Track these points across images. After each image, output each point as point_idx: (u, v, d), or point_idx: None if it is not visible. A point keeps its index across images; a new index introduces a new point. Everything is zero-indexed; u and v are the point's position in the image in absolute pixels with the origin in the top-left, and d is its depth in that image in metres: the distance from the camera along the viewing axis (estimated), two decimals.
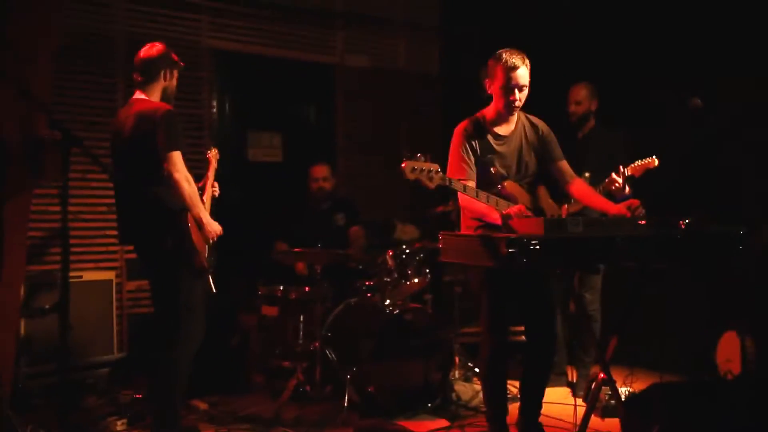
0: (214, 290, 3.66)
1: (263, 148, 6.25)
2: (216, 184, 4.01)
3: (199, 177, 3.93)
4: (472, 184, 3.29)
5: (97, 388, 4.60)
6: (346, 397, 4.17)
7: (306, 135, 6.46)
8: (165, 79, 3.62)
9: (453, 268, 5.25)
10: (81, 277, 4.76)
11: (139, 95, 3.60)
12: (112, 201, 5.16)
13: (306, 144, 6.38)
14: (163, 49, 3.62)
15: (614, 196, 4.09)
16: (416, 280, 4.65)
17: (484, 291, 3.41)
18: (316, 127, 6.58)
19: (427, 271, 4.72)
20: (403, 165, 2.93)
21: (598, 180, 4.16)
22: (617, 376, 3.57)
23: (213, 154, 4.15)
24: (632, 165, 4.09)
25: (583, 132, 4.66)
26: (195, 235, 3.46)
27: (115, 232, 5.17)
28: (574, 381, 4.62)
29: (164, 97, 3.63)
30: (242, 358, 4.98)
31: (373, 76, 6.63)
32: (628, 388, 4.17)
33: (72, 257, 4.93)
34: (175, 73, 3.67)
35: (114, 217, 5.16)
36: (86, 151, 2.97)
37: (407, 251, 4.68)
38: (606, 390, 3.64)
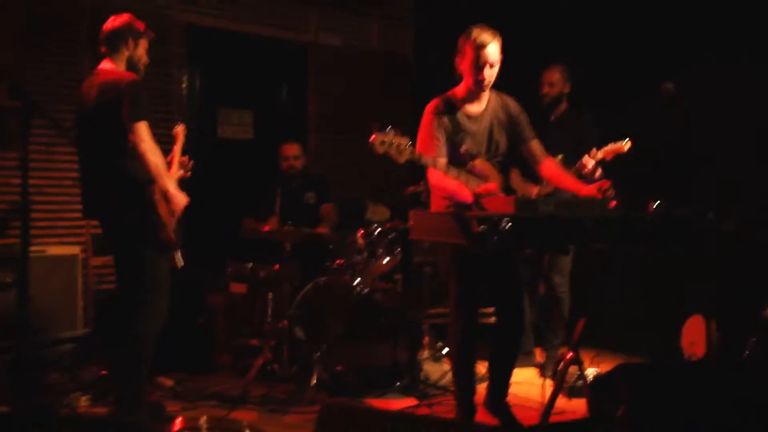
0: (182, 264, 3.59)
1: (233, 125, 6.17)
2: (187, 160, 3.93)
3: (166, 153, 3.89)
4: (443, 161, 3.27)
5: (61, 364, 4.53)
6: (314, 376, 4.16)
7: (277, 113, 6.39)
8: (129, 49, 3.53)
9: (423, 249, 5.26)
10: (44, 251, 4.67)
11: (104, 65, 3.52)
12: (78, 174, 5.19)
13: (277, 122, 6.31)
14: (127, 19, 3.54)
15: (585, 179, 4.11)
16: (386, 260, 4.63)
17: (453, 271, 3.40)
18: (287, 105, 6.51)
19: (398, 251, 4.70)
20: (372, 138, 2.89)
21: (569, 163, 4.18)
22: (584, 357, 3.60)
23: (180, 129, 4.07)
24: (604, 148, 4.11)
25: (556, 114, 4.67)
26: (162, 208, 3.39)
27: (80, 207, 5.21)
28: (542, 362, 4.68)
29: (130, 66, 3.54)
30: (209, 335, 4.92)
31: (346, 56, 6.58)
32: (596, 369, 4.21)
33: (36, 231, 4.91)
34: (142, 42, 3.58)
35: (79, 191, 5.20)
36: (48, 118, 2.89)
37: (378, 231, 4.66)
38: (573, 371, 3.67)
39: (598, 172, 4.18)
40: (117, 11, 3.65)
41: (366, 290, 4.39)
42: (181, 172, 3.86)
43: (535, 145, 3.55)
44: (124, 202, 3.39)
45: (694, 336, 4.39)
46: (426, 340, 4.81)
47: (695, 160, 4.54)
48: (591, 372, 4.07)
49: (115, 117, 3.31)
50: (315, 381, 4.15)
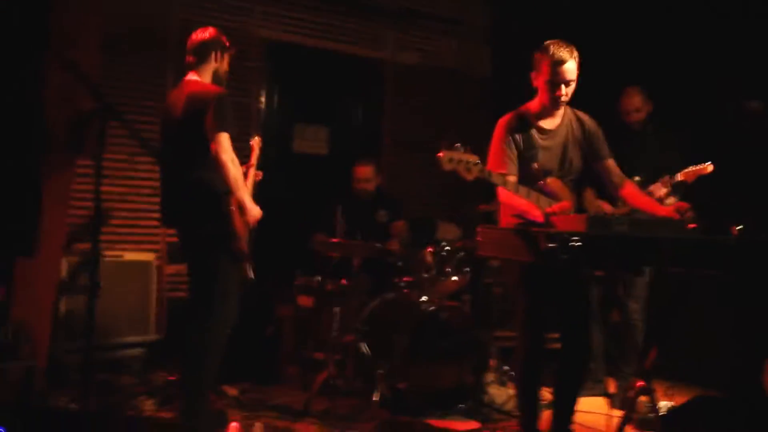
0: (253, 276, 3.63)
1: (308, 140, 6.24)
2: (260, 173, 3.99)
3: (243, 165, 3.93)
4: (513, 179, 3.18)
5: (132, 368, 4.64)
6: (377, 393, 4.12)
7: (352, 130, 6.43)
8: (216, 61, 3.62)
9: (493, 270, 5.16)
10: (121, 257, 4.81)
11: (191, 76, 3.61)
12: (157, 183, 5.33)
13: (352, 139, 6.35)
14: (215, 33, 3.64)
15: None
16: (455, 279, 4.57)
17: (521, 290, 3.31)
18: (362, 122, 6.54)
19: (467, 270, 4.63)
20: (440, 154, 2.83)
21: (648, 185, 4.04)
22: (657, 388, 3.43)
23: (256, 142, 4.14)
24: (685, 170, 3.95)
25: (640, 134, 4.52)
26: (237, 220, 3.44)
27: (157, 215, 5.34)
28: (613, 392, 4.50)
29: (215, 79, 3.64)
30: (276, 347, 4.96)
31: (423, 74, 6.58)
32: (670, 402, 4.02)
33: (114, 237, 5.08)
34: (226, 56, 3.67)
35: (158, 200, 5.34)
36: (125, 125, 2.97)
37: (447, 249, 4.60)
38: (645, 402, 3.50)
39: (671, 199, 4.01)
40: (202, 24, 3.75)
41: (433, 308, 4.33)
42: (258, 177, 3.93)
43: (612, 164, 3.43)
44: (201, 211, 3.45)
45: None
46: (492, 362, 4.69)
47: None
48: (664, 405, 3.89)
49: (200, 128, 3.39)
50: (378, 398, 4.10)
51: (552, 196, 3.18)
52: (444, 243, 4.75)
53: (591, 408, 4.20)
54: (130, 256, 4.92)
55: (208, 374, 3.52)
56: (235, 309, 3.57)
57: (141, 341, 4.83)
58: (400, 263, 4.85)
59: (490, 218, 4.91)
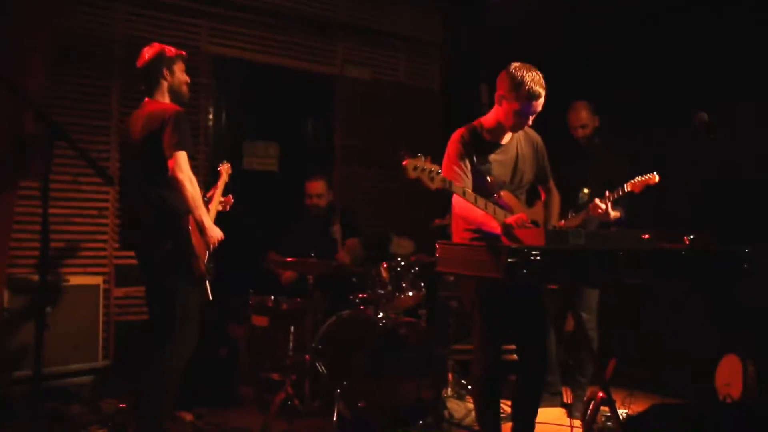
0: (211, 298, 3.55)
1: (259, 157, 6.17)
2: (230, 198, 3.95)
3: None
4: (469, 191, 3.20)
5: (81, 395, 4.48)
6: (336, 413, 4.06)
7: (303, 145, 6.39)
8: (167, 78, 3.55)
9: (448, 284, 5.17)
10: (67, 281, 4.66)
11: (148, 99, 3.56)
12: (103, 205, 5.21)
13: (303, 154, 6.30)
14: (157, 49, 3.55)
15: (602, 220, 4.03)
16: (411, 294, 4.55)
17: (477, 306, 3.31)
18: (313, 137, 6.50)
19: (422, 285, 4.62)
20: (404, 162, 2.83)
21: (599, 197, 4.08)
22: (615, 397, 3.46)
23: (225, 168, 4.06)
24: (632, 181, 4.02)
25: (587, 148, 4.59)
26: (196, 240, 3.38)
27: (104, 237, 5.21)
28: (570, 402, 4.53)
29: (173, 95, 3.57)
30: (231, 369, 4.85)
31: (373, 89, 6.58)
32: (626, 410, 4.07)
33: (59, 261, 4.92)
34: (177, 66, 3.58)
35: (105, 221, 5.21)
36: (72, 144, 2.86)
37: (402, 264, 4.58)
38: (604, 411, 3.54)
39: (614, 213, 4.08)
40: (147, 43, 3.64)
41: (390, 324, 4.30)
42: (220, 208, 3.88)
43: (552, 183, 3.57)
44: (160, 231, 3.39)
45: (729, 377, 4.23)
46: (450, 377, 4.69)
47: (733, 192, 4.42)
48: (621, 413, 3.93)
49: (158, 148, 3.34)
50: (337, 417, 4.05)
51: (507, 209, 3.21)
52: (399, 258, 4.74)
53: (549, 419, 4.23)
54: (76, 280, 4.77)
55: (165, 401, 3.43)
56: (195, 332, 3.50)
57: (89, 368, 4.67)
58: (354, 279, 4.82)
59: (444, 232, 4.93)
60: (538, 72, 3.22)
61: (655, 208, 4.14)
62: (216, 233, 3.47)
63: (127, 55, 5.28)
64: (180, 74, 3.59)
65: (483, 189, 3.27)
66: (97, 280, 4.91)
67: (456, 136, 3.37)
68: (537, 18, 5.78)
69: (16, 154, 3.54)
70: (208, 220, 3.45)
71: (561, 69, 4.89)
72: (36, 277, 4.24)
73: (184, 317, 3.42)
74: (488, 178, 3.25)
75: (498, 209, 3.14)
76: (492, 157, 3.34)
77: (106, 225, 5.24)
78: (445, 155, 3.36)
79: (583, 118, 4.55)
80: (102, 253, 5.19)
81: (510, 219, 2.95)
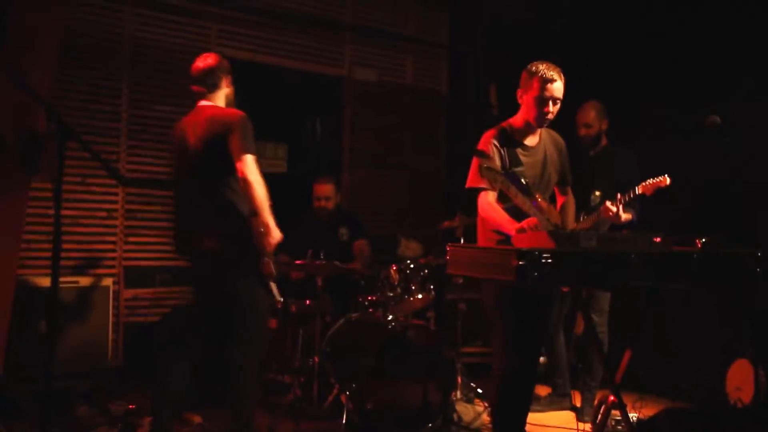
0: (281, 298, 3.58)
1: (267, 158, 6.17)
2: None
3: None
4: (521, 195, 3.18)
5: (90, 397, 4.48)
6: (344, 415, 4.05)
7: (312, 147, 6.39)
8: (227, 86, 3.63)
9: (457, 286, 5.16)
10: (77, 282, 4.67)
11: (204, 102, 3.59)
12: (113, 206, 5.22)
13: (311, 156, 6.30)
14: (219, 58, 3.64)
15: (613, 222, 4.01)
16: (420, 297, 4.54)
17: (499, 308, 3.29)
18: (322, 139, 6.50)
19: (431, 287, 4.61)
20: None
21: (608, 199, 4.06)
22: (625, 401, 3.45)
23: None
24: (643, 183, 3.99)
25: (595, 151, 4.57)
26: (265, 241, 3.39)
27: (114, 239, 5.22)
28: (579, 406, 4.51)
29: (228, 103, 3.63)
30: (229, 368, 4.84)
31: (381, 90, 6.58)
32: (637, 414, 4.04)
33: (68, 263, 4.93)
34: (230, 80, 3.68)
35: (114, 222, 5.22)
36: (84, 146, 2.87)
37: (411, 267, 4.57)
38: (614, 415, 3.51)
39: (626, 216, 4.04)
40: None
41: (399, 327, 4.30)
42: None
43: (570, 190, 3.58)
44: (227, 235, 3.41)
45: (740, 381, 4.20)
46: (459, 379, 4.67)
47: (744, 196, 4.39)
48: (631, 417, 3.90)
49: (221, 152, 3.37)
50: (345, 419, 4.04)
51: (542, 212, 3.17)
52: (408, 260, 4.73)
53: (559, 423, 4.21)
54: (86, 281, 4.78)
55: (253, 403, 3.54)
56: (267, 332, 3.58)
57: (99, 369, 4.67)
58: (363, 282, 4.81)
59: (452, 234, 4.92)
60: (557, 66, 3.29)
61: (665, 211, 4.10)
62: (278, 235, 3.45)
63: (135, 56, 5.31)
64: (232, 87, 3.69)
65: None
66: (107, 281, 4.92)
67: (487, 137, 3.35)
68: (545, 19, 5.76)
69: (28, 150, 3.54)
70: (272, 222, 3.43)
71: (570, 70, 4.89)
72: (47, 279, 4.26)
73: (257, 318, 3.47)
74: (522, 181, 3.21)
75: (539, 212, 3.11)
76: (523, 159, 3.35)
77: (115, 227, 5.26)
78: (476, 156, 3.35)
79: (589, 117, 4.52)
80: (111, 255, 5.20)
81: (522, 223, 2.94)
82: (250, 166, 3.33)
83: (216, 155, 3.40)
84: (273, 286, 3.59)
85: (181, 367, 3.53)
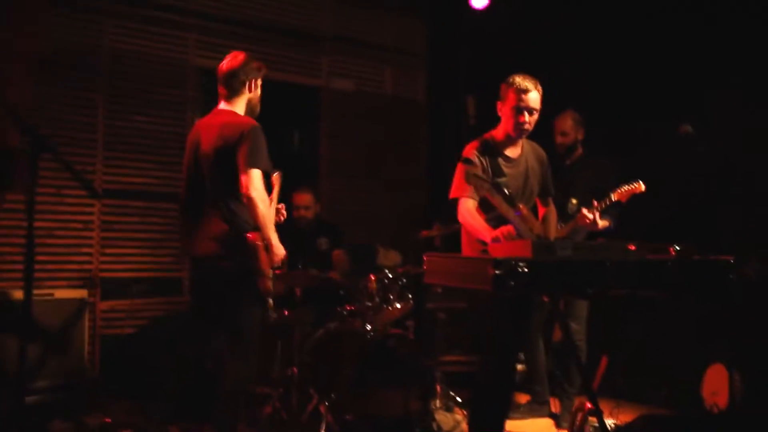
0: (274, 315, 3.52)
1: None
2: (282, 207, 3.77)
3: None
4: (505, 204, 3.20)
5: (65, 410, 4.43)
6: (324, 425, 4.04)
7: (289, 157, 6.38)
8: (250, 90, 3.50)
9: (436, 295, 5.17)
10: (52, 294, 4.62)
11: (223, 106, 3.46)
12: (88, 218, 5.17)
13: (289, 166, 6.27)
14: (246, 58, 3.48)
15: (590, 230, 4.04)
16: (398, 306, 4.54)
17: (492, 314, 3.28)
18: (299, 149, 6.50)
19: (410, 296, 4.61)
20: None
21: (584, 207, 4.10)
22: (603, 407, 3.47)
23: (276, 177, 3.95)
24: (618, 190, 4.03)
25: (571, 159, 4.62)
26: (263, 257, 3.29)
27: (90, 250, 5.17)
28: (558, 412, 4.53)
29: (249, 110, 3.51)
30: (218, 382, 4.81)
31: (359, 101, 6.59)
32: (614, 421, 4.07)
33: (43, 275, 4.87)
34: (259, 81, 3.53)
35: (90, 234, 5.17)
36: (58, 158, 2.84)
37: (390, 276, 4.57)
38: (591, 421, 3.54)
39: (603, 223, 4.08)
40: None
41: (378, 337, 4.29)
42: (277, 218, 3.70)
43: (551, 201, 3.62)
44: (228, 244, 3.30)
45: (715, 386, 4.25)
46: (438, 388, 4.67)
47: (718, 203, 4.45)
48: (609, 423, 3.93)
49: (232, 160, 3.25)
50: (325, 430, 4.02)
51: (526, 222, 3.20)
52: (386, 270, 4.73)
53: (538, 430, 4.23)
54: (61, 293, 4.73)
55: (238, 418, 3.43)
56: (257, 348, 3.45)
57: (75, 382, 4.62)
58: (342, 292, 4.81)
59: (431, 243, 4.94)
60: (533, 77, 3.35)
61: (640, 218, 4.15)
62: (281, 251, 3.37)
63: (113, 67, 5.27)
64: (258, 91, 3.54)
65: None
66: (83, 293, 4.86)
67: (470, 148, 3.40)
68: (523, 29, 5.81)
69: (1, 166, 3.50)
70: (275, 238, 3.35)
71: (548, 81, 4.95)
72: (20, 292, 4.21)
73: (247, 334, 3.37)
74: (505, 191, 3.23)
75: (522, 223, 3.13)
76: (505, 170, 3.38)
77: (91, 238, 5.21)
78: (459, 167, 3.37)
79: (566, 125, 4.58)
80: (86, 267, 5.15)
81: (496, 232, 2.97)
82: (254, 182, 3.21)
83: (224, 164, 3.28)
84: (271, 302, 3.52)
85: (177, 378, 3.48)
